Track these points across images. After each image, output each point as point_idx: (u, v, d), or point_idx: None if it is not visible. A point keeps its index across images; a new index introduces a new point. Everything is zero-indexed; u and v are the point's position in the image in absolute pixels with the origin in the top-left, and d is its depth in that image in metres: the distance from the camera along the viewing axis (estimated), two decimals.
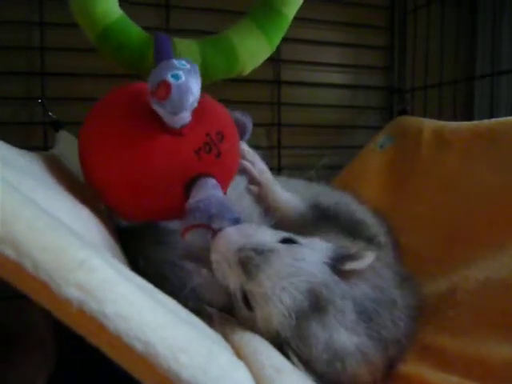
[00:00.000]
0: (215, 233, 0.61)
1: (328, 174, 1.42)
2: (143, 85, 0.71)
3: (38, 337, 0.76)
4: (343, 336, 0.55)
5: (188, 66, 0.64)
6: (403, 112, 1.48)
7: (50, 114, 1.22)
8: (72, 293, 0.31)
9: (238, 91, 1.35)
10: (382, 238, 0.82)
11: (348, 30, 1.57)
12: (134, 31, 0.79)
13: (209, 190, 0.65)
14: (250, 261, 0.57)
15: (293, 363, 0.52)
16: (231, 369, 0.38)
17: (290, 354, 0.53)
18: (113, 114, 0.69)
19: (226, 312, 0.63)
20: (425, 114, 1.44)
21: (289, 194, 0.86)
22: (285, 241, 0.61)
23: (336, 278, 0.57)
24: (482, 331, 0.69)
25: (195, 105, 0.64)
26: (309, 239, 0.64)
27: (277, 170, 1.47)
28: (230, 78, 0.85)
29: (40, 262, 0.31)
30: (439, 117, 1.38)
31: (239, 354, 0.46)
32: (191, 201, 0.65)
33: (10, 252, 0.31)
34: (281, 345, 0.54)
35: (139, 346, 0.31)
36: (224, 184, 0.72)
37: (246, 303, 0.58)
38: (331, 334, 0.54)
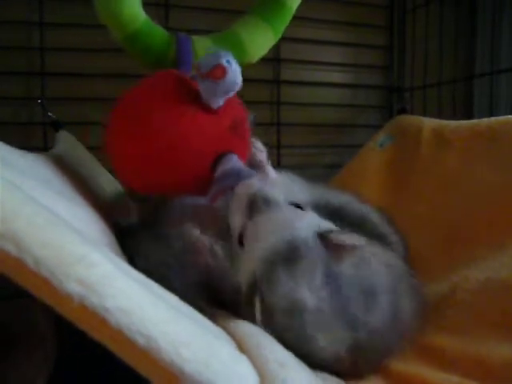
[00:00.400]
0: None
1: (328, 173, 1.42)
2: (173, 71, 0.80)
3: (38, 336, 0.76)
4: (305, 292, 0.56)
5: (232, 56, 0.72)
6: (403, 111, 1.48)
7: (50, 114, 1.21)
8: (73, 288, 0.31)
9: (238, 91, 1.35)
10: (393, 237, 0.82)
11: (347, 30, 1.57)
12: (159, 33, 0.85)
13: (236, 163, 0.73)
14: (255, 204, 0.64)
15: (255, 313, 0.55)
16: (234, 363, 0.38)
17: (256, 298, 0.56)
18: (155, 94, 0.74)
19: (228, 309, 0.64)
20: (424, 113, 1.43)
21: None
22: (293, 205, 0.66)
23: (319, 244, 0.59)
24: (482, 331, 0.68)
25: (239, 88, 0.72)
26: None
27: (276, 169, 1.47)
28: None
29: (41, 258, 0.31)
30: (439, 116, 1.37)
31: (242, 348, 0.46)
32: (221, 169, 0.73)
33: (11, 248, 0.31)
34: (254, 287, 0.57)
35: (141, 341, 0.32)
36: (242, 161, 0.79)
37: (240, 241, 0.64)
38: (294, 286, 0.56)
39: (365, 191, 1.17)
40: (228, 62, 0.70)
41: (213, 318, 0.54)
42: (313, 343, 0.56)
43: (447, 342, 0.70)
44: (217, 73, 0.69)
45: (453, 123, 1.17)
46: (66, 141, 1.08)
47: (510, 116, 1.02)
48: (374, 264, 0.63)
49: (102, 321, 0.31)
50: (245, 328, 0.54)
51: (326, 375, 0.59)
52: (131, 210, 0.85)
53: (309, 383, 0.43)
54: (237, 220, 0.66)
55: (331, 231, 0.61)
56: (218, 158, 0.74)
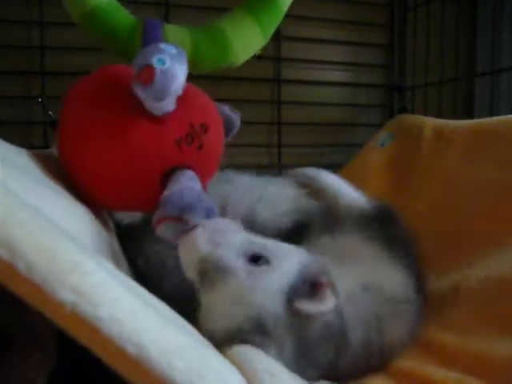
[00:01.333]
0: (185, 227, 0.59)
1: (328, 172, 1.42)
2: (125, 67, 0.70)
3: (38, 335, 0.76)
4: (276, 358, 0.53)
5: (175, 51, 0.62)
6: (403, 110, 1.47)
7: (50, 113, 1.21)
8: (66, 295, 0.31)
9: (238, 89, 1.35)
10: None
11: (348, 28, 1.56)
12: (124, 15, 0.76)
13: (184, 182, 0.63)
14: (206, 275, 0.56)
15: None
16: (226, 373, 0.38)
17: None
18: (91, 98, 0.66)
19: None
20: (425, 112, 1.43)
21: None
22: (254, 258, 0.58)
23: (287, 312, 0.55)
24: (484, 329, 0.69)
25: (179, 92, 0.62)
26: (287, 251, 0.62)
27: (277, 168, 1.48)
28: (223, 68, 0.83)
29: (34, 264, 0.31)
30: (439, 115, 1.37)
31: (232, 360, 0.46)
32: (165, 192, 0.63)
33: (3, 253, 0.31)
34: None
35: (132, 350, 0.31)
36: (204, 175, 0.70)
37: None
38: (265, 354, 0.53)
39: (366, 190, 1.16)
40: (160, 60, 0.59)
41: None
42: None
43: (449, 339, 0.71)
44: (143, 77, 0.59)
45: (453, 122, 1.17)
46: None
47: (510, 115, 1.01)
48: (345, 312, 0.60)
49: (93, 329, 0.31)
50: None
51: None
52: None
53: None
54: (188, 274, 0.60)
55: (298, 292, 0.55)
56: (168, 174, 0.66)
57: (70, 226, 0.44)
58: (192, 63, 0.69)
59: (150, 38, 0.71)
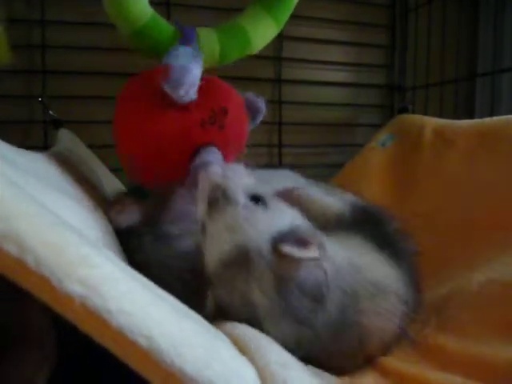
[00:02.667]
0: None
1: (329, 172, 1.42)
2: (158, 70, 0.80)
3: (37, 335, 0.76)
4: (258, 295, 0.57)
5: (189, 52, 0.76)
6: (404, 110, 1.47)
7: (51, 112, 1.21)
8: (74, 288, 0.31)
9: (239, 89, 1.35)
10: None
11: (349, 28, 1.57)
12: (165, 27, 0.85)
13: (208, 156, 0.77)
14: (215, 200, 0.65)
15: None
16: (235, 364, 0.38)
17: (209, 296, 0.58)
18: (135, 96, 0.80)
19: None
20: (426, 112, 1.43)
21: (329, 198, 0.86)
22: (255, 198, 0.65)
23: (271, 251, 0.59)
24: (485, 332, 0.68)
25: (196, 83, 0.74)
26: (286, 209, 0.68)
27: (276, 167, 1.47)
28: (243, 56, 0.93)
29: (42, 258, 0.31)
30: (440, 115, 1.37)
31: (242, 350, 0.46)
32: (195, 162, 0.77)
33: (12, 248, 0.31)
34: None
35: (143, 342, 0.31)
36: (227, 152, 0.82)
37: (202, 232, 0.65)
38: (247, 290, 0.58)
39: (366, 190, 1.16)
40: (177, 58, 0.74)
41: (212, 320, 0.54)
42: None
43: (450, 342, 0.70)
44: (163, 73, 0.73)
45: (454, 122, 1.17)
46: (66, 139, 1.08)
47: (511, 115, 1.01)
48: (328, 268, 0.61)
49: (103, 322, 0.31)
50: (244, 330, 0.54)
51: (327, 375, 0.59)
52: (130, 210, 0.85)
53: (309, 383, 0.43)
54: (200, 210, 0.67)
55: (285, 238, 0.59)
56: (195, 151, 0.78)
57: (75, 224, 0.44)
58: (219, 58, 0.88)
59: (188, 43, 0.83)
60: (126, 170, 0.86)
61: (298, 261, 0.58)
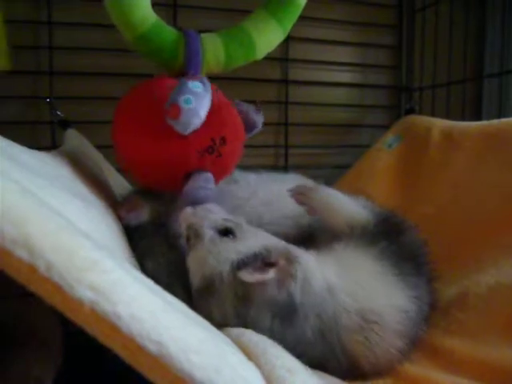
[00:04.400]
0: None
1: (335, 173, 1.42)
2: (164, 83, 0.85)
3: (44, 334, 0.77)
4: (218, 316, 0.63)
5: (200, 89, 0.75)
6: (411, 111, 1.47)
7: (58, 113, 1.22)
8: (84, 293, 0.31)
9: (246, 90, 1.35)
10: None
11: (356, 29, 1.56)
12: (169, 33, 0.85)
13: (200, 182, 0.80)
14: (189, 241, 0.72)
15: None
16: (243, 369, 0.38)
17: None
18: (139, 114, 0.81)
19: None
20: (433, 113, 1.43)
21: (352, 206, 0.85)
22: (224, 231, 0.71)
23: (231, 276, 0.64)
24: (493, 335, 0.68)
25: (200, 124, 0.76)
26: (259, 237, 0.72)
27: (284, 169, 1.47)
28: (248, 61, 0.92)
29: (53, 263, 0.31)
30: (447, 116, 1.37)
31: (248, 356, 0.46)
32: (185, 187, 0.80)
33: (23, 253, 0.31)
34: None
35: (152, 347, 0.31)
36: (220, 177, 0.86)
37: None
38: (211, 311, 0.64)
39: (373, 191, 1.16)
40: (187, 100, 0.73)
41: (219, 326, 0.54)
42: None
43: (457, 345, 0.70)
44: (171, 112, 0.74)
45: (462, 124, 1.17)
46: (74, 139, 1.09)
47: None
48: (297, 290, 0.64)
49: (113, 327, 0.31)
50: (250, 336, 0.54)
51: (334, 380, 0.59)
52: (140, 209, 0.85)
53: None
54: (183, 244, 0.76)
55: (246, 263, 0.65)
56: (187, 175, 0.82)
57: (84, 226, 0.44)
58: (224, 64, 0.88)
59: (191, 48, 0.84)
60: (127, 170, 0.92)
61: (256, 283, 0.62)
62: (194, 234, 0.72)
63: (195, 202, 0.78)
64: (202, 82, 0.77)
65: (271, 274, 0.63)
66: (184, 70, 0.84)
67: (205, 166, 0.82)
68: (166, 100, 0.75)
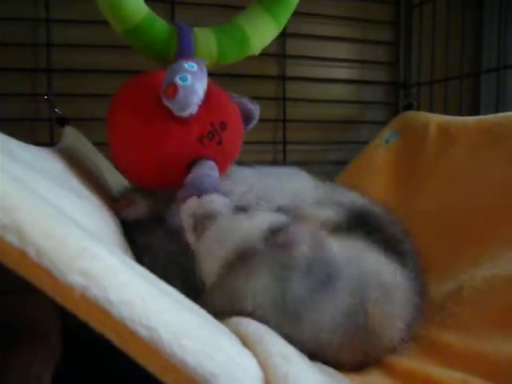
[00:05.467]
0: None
1: (333, 169, 1.42)
2: (158, 75, 0.81)
3: (43, 330, 0.77)
4: (259, 294, 0.59)
5: (195, 68, 0.74)
6: (409, 107, 1.47)
7: (56, 110, 1.22)
8: (75, 279, 0.31)
9: (244, 86, 1.35)
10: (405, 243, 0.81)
11: (353, 25, 1.56)
12: (161, 26, 0.84)
13: (205, 170, 0.77)
14: (199, 226, 0.68)
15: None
16: (237, 356, 0.38)
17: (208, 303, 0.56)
18: (131, 105, 0.79)
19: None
20: (431, 109, 1.43)
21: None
22: (237, 209, 0.71)
23: (265, 243, 0.62)
24: (488, 328, 0.68)
25: (200, 103, 0.74)
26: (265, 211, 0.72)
27: (282, 165, 1.48)
28: (243, 57, 0.90)
29: (43, 249, 0.31)
30: (445, 112, 1.37)
31: (245, 343, 0.46)
32: (189, 176, 0.77)
33: (13, 239, 0.31)
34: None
35: (144, 332, 0.32)
36: (223, 166, 0.83)
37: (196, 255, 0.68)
38: (248, 291, 0.59)
39: (371, 188, 1.17)
40: (183, 78, 0.71)
41: (216, 315, 0.54)
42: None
43: (453, 338, 0.70)
44: (168, 92, 0.71)
45: (459, 119, 1.17)
46: (72, 136, 1.09)
47: None
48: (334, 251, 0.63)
49: (104, 312, 0.31)
50: (248, 324, 0.54)
51: (330, 370, 0.59)
52: (137, 204, 0.85)
53: (311, 377, 0.43)
54: (190, 239, 0.71)
55: (280, 229, 0.62)
56: (191, 164, 0.79)
57: (78, 218, 0.45)
58: (217, 59, 0.86)
59: (184, 42, 0.82)
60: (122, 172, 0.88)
61: (296, 244, 0.60)
62: (204, 218, 0.68)
63: (200, 192, 0.75)
64: (196, 62, 0.75)
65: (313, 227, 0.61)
66: None
67: (206, 153, 0.80)
68: (157, 91, 0.74)
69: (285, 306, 0.59)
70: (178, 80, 0.71)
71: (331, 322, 0.60)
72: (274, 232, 0.62)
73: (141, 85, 0.82)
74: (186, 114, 0.74)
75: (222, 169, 0.83)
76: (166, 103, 0.72)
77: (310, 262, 0.61)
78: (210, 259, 0.64)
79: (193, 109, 0.73)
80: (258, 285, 0.59)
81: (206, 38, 0.85)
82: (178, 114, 0.73)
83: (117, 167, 0.87)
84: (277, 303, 0.59)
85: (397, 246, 0.75)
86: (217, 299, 0.59)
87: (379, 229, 0.77)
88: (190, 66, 0.74)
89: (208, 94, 0.77)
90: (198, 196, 0.73)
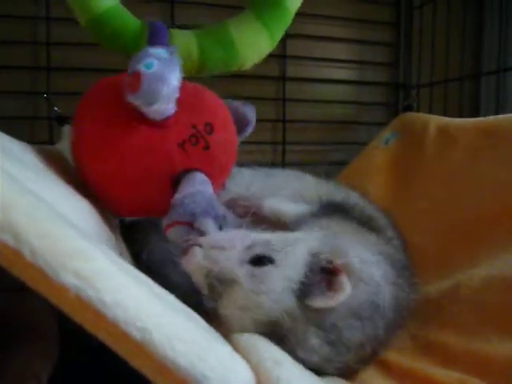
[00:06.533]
0: (197, 232, 0.60)
1: (333, 169, 1.42)
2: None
3: (41, 330, 0.77)
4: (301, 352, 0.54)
5: (165, 56, 0.61)
6: (408, 108, 1.47)
7: (56, 108, 1.22)
8: (69, 280, 0.31)
9: (243, 87, 1.35)
10: (389, 232, 0.82)
11: (354, 26, 1.56)
12: (129, 20, 0.77)
13: (196, 186, 0.63)
14: (213, 288, 0.57)
15: None
16: (229, 358, 0.38)
17: None
18: (96, 108, 0.67)
19: None
20: (430, 111, 1.43)
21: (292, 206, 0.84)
22: (257, 259, 0.58)
23: (300, 305, 0.55)
24: (485, 328, 0.68)
25: (175, 95, 0.61)
26: (293, 242, 0.61)
27: (281, 166, 1.48)
28: (231, 71, 0.82)
29: (38, 249, 0.31)
30: (445, 113, 1.37)
31: (237, 349, 0.46)
32: (177, 196, 0.63)
33: (8, 239, 0.31)
34: None
35: (136, 334, 0.32)
36: (215, 178, 0.70)
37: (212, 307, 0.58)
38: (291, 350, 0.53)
39: (370, 188, 1.17)
40: (148, 65, 0.59)
41: (209, 319, 0.53)
42: None
43: (450, 338, 0.70)
44: (130, 83, 0.59)
45: (458, 120, 1.17)
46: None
47: None
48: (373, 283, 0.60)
49: (97, 314, 0.31)
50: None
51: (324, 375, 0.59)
52: None
53: (304, 381, 0.43)
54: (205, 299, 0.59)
55: (309, 290, 0.55)
56: (178, 177, 0.66)
57: (73, 217, 0.45)
58: (199, 66, 0.75)
59: (155, 41, 0.70)
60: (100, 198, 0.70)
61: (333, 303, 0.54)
62: (220, 280, 0.56)
63: (194, 216, 0.61)
64: (167, 49, 0.64)
65: (348, 285, 0.53)
66: None
67: (192, 163, 0.66)
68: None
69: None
70: (141, 67, 0.59)
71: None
72: (307, 286, 0.55)
73: (109, 85, 0.71)
74: (157, 110, 0.61)
75: (215, 182, 0.69)
76: (130, 99, 0.60)
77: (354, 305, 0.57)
78: (236, 327, 0.55)
79: (166, 106, 0.61)
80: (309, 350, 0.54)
81: (183, 41, 0.76)
82: (146, 109, 0.60)
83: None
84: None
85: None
86: None
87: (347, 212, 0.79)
88: (159, 52, 0.62)
89: (188, 92, 0.66)
90: (191, 222, 0.60)
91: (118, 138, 0.64)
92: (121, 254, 0.66)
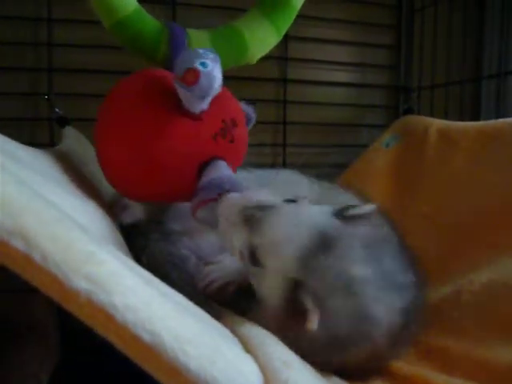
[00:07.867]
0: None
1: (333, 172, 1.42)
2: (160, 71, 0.77)
3: (41, 331, 0.77)
4: (356, 266, 0.56)
5: (212, 56, 0.68)
6: (409, 111, 1.47)
7: (57, 110, 1.22)
8: (80, 284, 0.31)
9: (244, 89, 1.35)
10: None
11: (355, 29, 1.56)
12: (150, 22, 0.80)
13: (222, 171, 0.71)
14: (253, 217, 0.60)
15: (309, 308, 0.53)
16: (239, 361, 0.38)
17: (306, 297, 0.54)
18: (135, 100, 0.72)
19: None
20: (431, 114, 1.43)
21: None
22: (288, 201, 0.63)
23: (340, 222, 0.58)
24: (487, 334, 0.68)
25: (218, 91, 0.68)
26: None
27: (281, 168, 1.47)
28: (240, 65, 0.87)
29: (49, 254, 0.31)
30: (446, 116, 1.37)
31: (246, 347, 0.46)
32: (204, 179, 0.71)
33: (19, 244, 0.31)
34: (293, 293, 0.55)
35: (146, 337, 0.32)
36: (233, 166, 0.77)
37: (253, 261, 0.60)
38: (344, 265, 0.55)
39: (370, 191, 1.17)
40: (203, 64, 0.66)
41: (218, 317, 0.54)
42: (369, 318, 0.55)
43: (451, 343, 0.70)
44: (188, 78, 0.65)
45: (459, 124, 1.17)
46: (72, 137, 1.09)
47: None
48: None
49: (108, 317, 0.31)
50: (249, 328, 0.54)
51: (331, 377, 0.59)
52: (133, 208, 0.85)
53: (311, 382, 0.43)
54: (238, 241, 0.62)
55: (344, 209, 0.60)
56: (203, 166, 0.72)
57: (81, 220, 0.45)
58: None
59: (177, 42, 0.78)
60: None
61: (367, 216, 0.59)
62: (258, 207, 0.60)
63: (224, 191, 0.67)
64: (210, 50, 0.70)
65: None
66: (169, 65, 0.78)
67: (220, 153, 0.73)
68: (164, 86, 0.70)
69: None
70: (198, 65, 0.65)
71: None
72: (343, 208, 0.60)
73: (141, 80, 0.76)
74: (201, 105, 0.68)
75: (232, 169, 0.77)
76: (183, 92, 0.66)
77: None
78: (286, 249, 0.56)
79: (208, 100, 0.68)
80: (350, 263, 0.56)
81: (199, 40, 0.81)
82: (194, 102, 0.68)
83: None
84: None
85: None
86: (311, 284, 0.55)
87: None
88: (207, 53, 0.69)
89: None
90: (219, 198, 0.65)
91: (157, 124, 0.70)
92: (127, 256, 0.67)
